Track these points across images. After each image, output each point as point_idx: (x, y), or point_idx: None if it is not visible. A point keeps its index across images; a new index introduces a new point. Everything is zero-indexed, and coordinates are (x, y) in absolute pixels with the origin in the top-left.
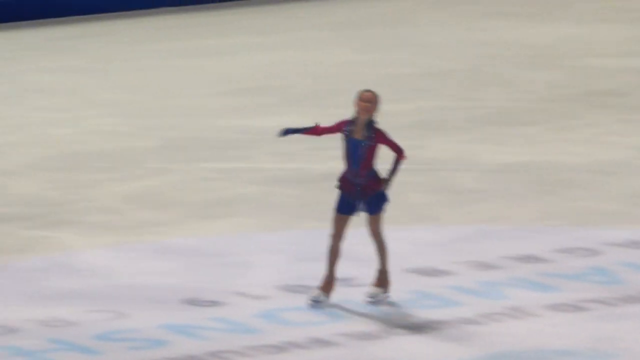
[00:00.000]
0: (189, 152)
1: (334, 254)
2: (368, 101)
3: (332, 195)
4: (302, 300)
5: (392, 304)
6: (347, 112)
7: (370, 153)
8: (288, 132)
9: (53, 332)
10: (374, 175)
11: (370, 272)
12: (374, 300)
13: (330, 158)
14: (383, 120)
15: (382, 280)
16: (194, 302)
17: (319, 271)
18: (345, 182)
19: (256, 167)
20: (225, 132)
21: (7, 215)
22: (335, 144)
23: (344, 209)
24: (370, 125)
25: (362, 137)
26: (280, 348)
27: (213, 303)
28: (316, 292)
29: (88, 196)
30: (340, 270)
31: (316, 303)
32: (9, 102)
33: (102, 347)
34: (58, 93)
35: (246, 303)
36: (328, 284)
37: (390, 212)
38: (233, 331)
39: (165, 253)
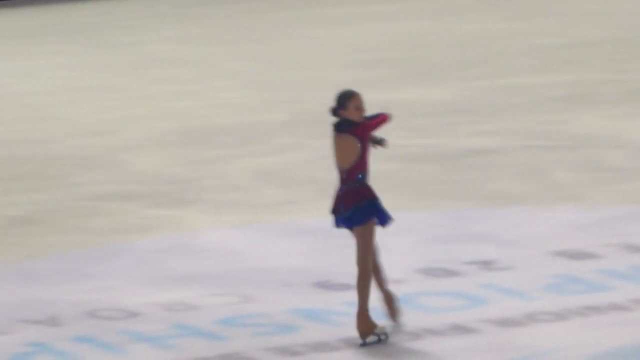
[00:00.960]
0: (318, 127)
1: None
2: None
3: (470, 173)
4: (440, 284)
5: (535, 288)
6: (488, 84)
7: None
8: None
9: (176, 316)
10: None
11: (512, 255)
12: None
13: (468, 134)
14: (528, 93)
15: (365, 323)
16: (324, 286)
17: (457, 254)
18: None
19: (390, 143)
20: None
21: (129, 193)
22: (474, 117)
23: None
24: None
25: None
26: (416, 335)
27: (345, 286)
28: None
29: (213, 173)
30: (482, 252)
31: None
32: (130, 74)
33: (227, 333)
34: (181, 64)
35: None
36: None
37: (534, 192)
38: None
39: (295, 233)
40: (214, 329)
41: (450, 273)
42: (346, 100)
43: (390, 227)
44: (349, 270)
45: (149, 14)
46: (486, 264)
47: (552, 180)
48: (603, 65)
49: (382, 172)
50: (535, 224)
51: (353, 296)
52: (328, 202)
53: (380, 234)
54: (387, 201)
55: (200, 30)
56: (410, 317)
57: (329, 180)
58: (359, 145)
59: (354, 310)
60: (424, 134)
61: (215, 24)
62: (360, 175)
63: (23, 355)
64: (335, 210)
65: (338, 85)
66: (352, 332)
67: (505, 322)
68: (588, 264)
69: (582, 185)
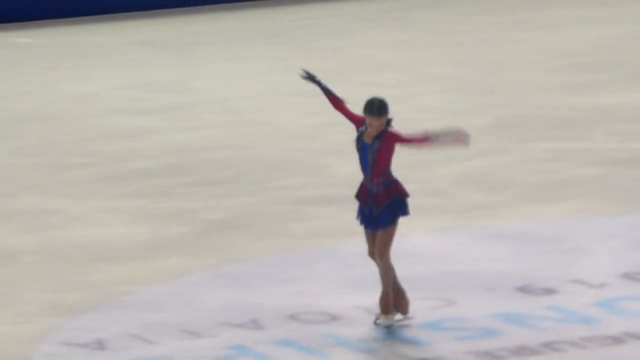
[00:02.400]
0: (523, 130)
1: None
2: (379, 121)
3: None
4: None
5: None
6: None
7: (381, 157)
8: (310, 76)
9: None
10: (389, 182)
11: None
12: (385, 326)
13: None
14: None
15: (386, 306)
16: (527, 290)
17: None
18: (361, 191)
19: (594, 147)
20: (561, 110)
21: (331, 197)
22: None
23: (365, 222)
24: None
25: (371, 141)
26: (617, 339)
27: (547, 291)
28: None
29: (417, 177)
30: None
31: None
32: (337, 77)
33: (429, 337)
34: (385, 68)
35: (583, 291)
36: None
37: None
38: (568, 321)
39: (497, 238)
40: (416, 333)
41: None
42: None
43: (594, 232)
44: (551, 275)
45: (355, 19)
46: None
47: None
48: None
49: (587, 177)
50: None
51: (556, 301)
52: (531, 206)
53: (584, 238)
54: (592, 205)
55: (406, 35)
56: (612, 322)
57: (532, 184)
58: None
59: (555, 314)
60: (631, 139)
61: (422, 29)
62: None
63: (225, 358)
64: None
65: (542, 89)
66: (554, 336)
67: None
68: None
69: None
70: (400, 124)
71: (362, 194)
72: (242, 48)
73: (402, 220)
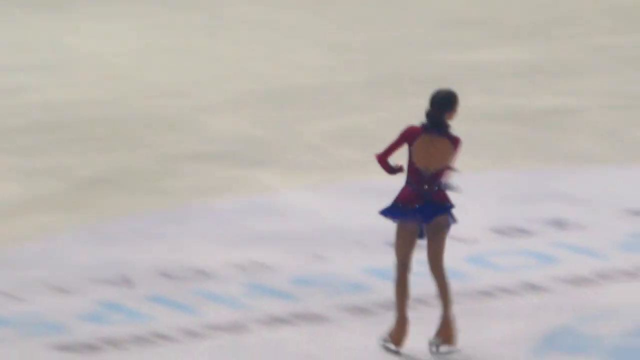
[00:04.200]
0: (396, 87)
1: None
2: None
3: (547, 133)
4: (513, 243)
5: (610, 247)
6: (568, 43)
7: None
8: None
9: (249, 276)
10: (442, 185)
11: (587, 214)
12: (439, 352)
13: (546, 94)
14: (609, 53)
15: (446, 330)
16: None
17: (531, 213)
18: (410, 198)
19: (466, 103)
20: (434, 67)
21: (206, 153)
22: (553, 78)
23: (416, 216)
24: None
25: None
26: (488, 293)
27: (417, 246)
28: (387, 339)
29: (289, 134)
30: (557, 211)
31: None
32: (206, 34)
33: (300, 292)
34: (259, 26)
35: (454, 246)
36: (399, 331)
37: (611, 151)
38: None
39: (369, 193)
40: (287, 289)
41: (523, 232)
42: (456, 102)
43: (465, 187)
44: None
45: None
46: (560, 223)
47: (630, 140)
48: None
49: (459, 132)
50: (611, 183)
51: (424, 255)
52: (404, 162)
53: (455, 193)
54: (463, 161)
55: None
56: (482, 275)
57: None
58: (454, 153)
59: (425, 269)
60: (503, 95)
61: None
62: (442, 182)
63: (94, 314)
64: (416, 202)
65: (416, 46)
66: (425, 290)
67: (577, 280)
68: None
69: None
70: (271, 83)
71: (414, 199)
72: (114, 6)
73: (275, 177)
